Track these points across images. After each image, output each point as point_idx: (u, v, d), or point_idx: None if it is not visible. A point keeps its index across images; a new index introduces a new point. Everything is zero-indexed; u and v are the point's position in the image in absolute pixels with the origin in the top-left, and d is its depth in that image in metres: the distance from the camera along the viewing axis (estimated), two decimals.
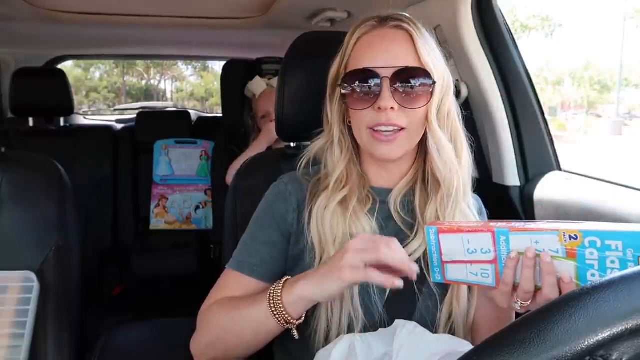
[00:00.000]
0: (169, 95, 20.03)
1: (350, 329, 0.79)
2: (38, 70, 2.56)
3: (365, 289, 0.81)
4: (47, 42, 2.57)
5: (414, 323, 0.73)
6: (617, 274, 0.39)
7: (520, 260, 0.65)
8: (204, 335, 0.83)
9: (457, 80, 1.37)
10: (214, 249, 2.21)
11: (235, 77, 2.12)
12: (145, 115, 2.84)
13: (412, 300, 0.82)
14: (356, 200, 0.83)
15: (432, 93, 0.80)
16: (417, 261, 0.82)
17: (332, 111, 0.87)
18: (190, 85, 20.24)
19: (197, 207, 2.48)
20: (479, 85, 1.32)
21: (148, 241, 2.46)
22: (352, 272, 0.68)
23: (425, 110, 0.81)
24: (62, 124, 2.51)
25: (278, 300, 0.74)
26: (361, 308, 0.80)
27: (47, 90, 2.29)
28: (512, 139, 1.31)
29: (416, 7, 1.44)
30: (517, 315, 0.74)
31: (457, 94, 1.34)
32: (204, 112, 4.65)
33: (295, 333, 0.76)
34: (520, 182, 1.31)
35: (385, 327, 0.77)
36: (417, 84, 0.79)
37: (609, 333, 0.35)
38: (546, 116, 1.34)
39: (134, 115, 2.86)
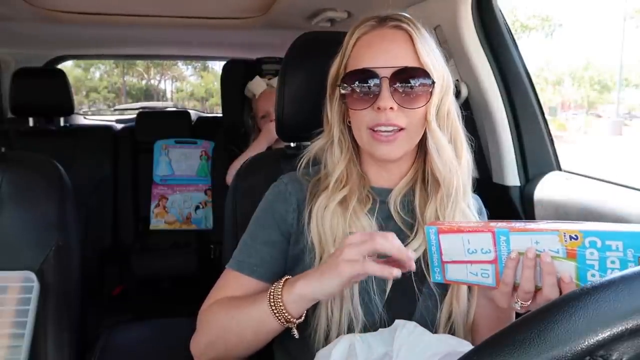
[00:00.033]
0: (169, 95, 20.04)
1: (350, 329, 0.79)
2: (38, 70, 2.56)
3: (365, 289, 0.81)
4: (47, 42, 2.57)
5: (414, 323, 0.73)
6: (617, 274, 0.39)
7: (521, 261, 0.65)
8: (204, 335, 0.83)
9: (457, 80, 1.37)
10: (214, 249, 2.21)
11: (235, 77, 2.12)
12: (145, 115, 2.84)
13: (412, 300, 0.83)
14: (356, 200, 0.83)
15: (431, 93, 0.80)
16: (417, 261, 0.82)
17: (332, 111, 0.87)
18: (190, 85, 20.25)
19: (197, 207, 2.48)
20: (479, 85, 1.32)
21: (148, 241, 2.46)
22: (350, 266, 0.68)
23: (425, 110, 0.81)
24: (62, 124, 2.51)
25: (278, 299, 0.74)
26: (361, 308, 0.80)
27: (47, 90, 2.29)
28: (512, 139, 1.31)
29: (416, 7, 1.44)
30: (517, 315, 0.74)
31: (457, 94, 1.34)
32: (204, 112, 4.65)
33: (295, 332, 0.76)
34: (520, 182, 1.31)
35: (385, 327, 0.77)
36: (417, 84, 0.79)
37: (609, 333, 0.35)
38: (546, 116, 1.34)
39: (134, 115, 2.86)
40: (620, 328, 0.35)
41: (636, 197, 1.02)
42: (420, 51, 0.79)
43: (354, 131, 0.85)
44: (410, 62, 0.79)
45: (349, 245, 0.70)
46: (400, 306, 0.82)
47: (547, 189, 1.23)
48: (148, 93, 19.33)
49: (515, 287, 0.67)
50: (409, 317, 0.80)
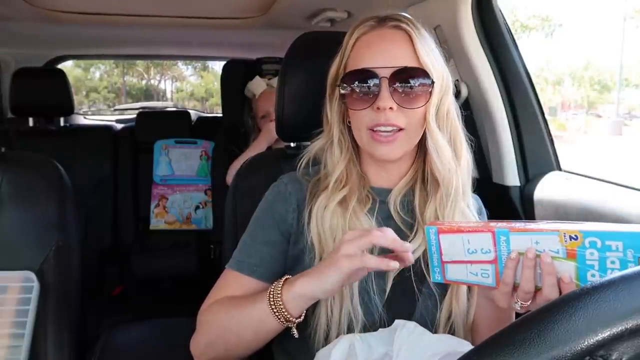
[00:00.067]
0: (169, 95, 20.04)
1: (349, 329, 0.80)
2: (38, 70, 2.56)
3: (365, 288, 0.81)
4: (47, 42, 2.57)
5: (414, 323, 0.73)
6: (617, 274, 0.39)
7: (521, 261, 0.65)
8: (204, 334, 0.83)
9: (457, 80, 1.37)
10: (214, 249, 2.21)
11: (235, 77, 2.12)
12: (145, 115, 2.84)
13: (412, 300, 0.83)
14: (356, 200, 0.83)
15: (430, 93, 0.80)
16: (417, 261, 0.82)
17: (331, 111, 0.87)
18: (190, 85, 20.25)
19: (197, 207, 2.48)
20: (479, 85, 1.32)
21: (148, 241, 2.46)
22: (349, 261, 0.69)
23: (424, 110, 0.81)
24: (62, 124, 2.51)
25: (278, 298, 0.74)
26: (361, 308, 0.80)
27: (47, 90, 2.29)
28: (512, 139, 1.31)
29: (416, 7, 1.44)
30: (517, 315, 0.74)
31: (457, 94, 1.34)
32: (204, 112, 4.65)
33: (295, 332, 0.76)
34: (520, 182, 1.31)
35: (385, 327, 0.77)
36: (416, 84, 0.79)
37: (609, 333, 0.35)
38: (546, 116, 1.34)
39: (134, 115, 2.86)
40: (620, 328, 0.35)
41: (636, 197, 1.02)
42: (419, 51, 0.79)
43: (354, 131, 0.85)
44: (410, 62, 0.79)
45: (347, 241, 0.70)
46: (400, 306, 0.82)
47: (547, 189, 1.23)
48: (148, 93, 19.33)
49: (515, 287, 0.67)
50: (408, 317, 0.80)
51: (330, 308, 0.80)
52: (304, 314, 0.76)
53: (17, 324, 1.01)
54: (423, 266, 0.82)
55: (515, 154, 1.31)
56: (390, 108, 0.78)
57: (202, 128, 2.67)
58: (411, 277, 0.82)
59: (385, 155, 0.81)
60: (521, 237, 0.64)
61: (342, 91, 0.82)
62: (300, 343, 0.80)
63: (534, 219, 1.25)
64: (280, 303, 0.74)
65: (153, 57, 7.87)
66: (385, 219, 0.85)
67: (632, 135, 13.24)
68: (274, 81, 1.93)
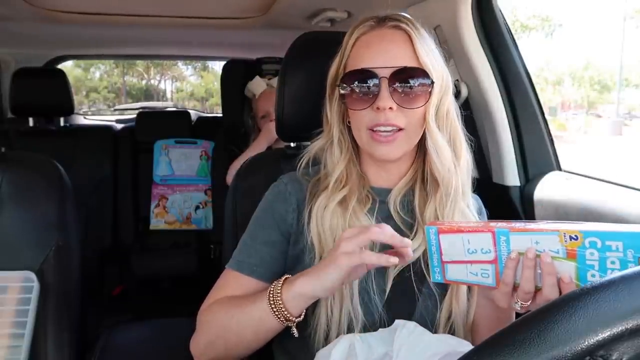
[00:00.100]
0: (169, 95, 20.04)
1: (349, 329, 0.80)
2: (38, 70, 2.56)
3: (365, 288, 0.81)
4: (47, 42, 2.57)
5: (414, 323, 0.73)
6: (617, 274, 0.39)
7: (521, 261, 0.65)
8: (204, 334, 0.83)
9: (457, 80, 1.37)
10: (214, 249, 2.21)
11: (235, 77, 2.12)
12: (145, 115, 2.84)
13: (412, 300, 0.83)
14: (356, 200, 0.83)
15: (430, 93, 0.80)
16: (417, 261, 0.82)
17: (331, 111, 0.87)
18: (190, 85, 20.26)
19: (197, 207, 2.48)
20: (479, 85, 1.32)
21: (148, 241, 2.46)
22: (348, 257, 0.69)
23: (424, 110, 0.81)
24: (62, 124, 2.51)
25: (278, 297, 0.74)
26: (361, 308, 0.80)
27: (47, 90, 2.29)
28: (512, 139, 1.31)
29: (416, 7, 1.44)
30: (517, 315, 0.74)
31: (457, 94, 1.34)
32: (204, 112, 4.65)
33: (294, 331, 0.76)
34: (520, 182, 1.31)
35: (384, 327, 0.77)
36: (416, 84, 0.79)
37: (609, 333, 0.35)
38: (546, 116, 1.34)
39: (134, 115, 2.86)
40: (620, 328, 0.35)
41: (636, 197, 1.02)
42: (419, 51, 0.79)
43: (354, 131, 0.85)
44: (409, 62, 0.79)
45: (346, 239, 0.70)
46: (400, 306, 0.82)
47: (547, 189, 1.23)
48: (148, 93, 19.33)
49: (515, 287, 0.67)
50: (408, 317, 0.80)
51: (330, 308, 0.80)
52: (303, 313, 0.76)
53: (17, 324, 1.01)
54: (423, 266, 0.82)
55: (515, 154, 1.31)
56: (390, 108, 0.78)
57: (202, 128, 2.67)
58: (411, 277, 0.82)
59: (385, 155, 0.81)
60: (521, 237, 0.64)
61: (342, 91, 0.82)
62: (300, 343, 0.80)
63: (534, 219, 1.25)
64: (280, 302, 0.74)
65: (153, 57, 7.87)
66: (385, 219, 0.85)
67: (632, 135, 13.24)
68: (274, 81, 1.93)
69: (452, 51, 1.36)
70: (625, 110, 15.70)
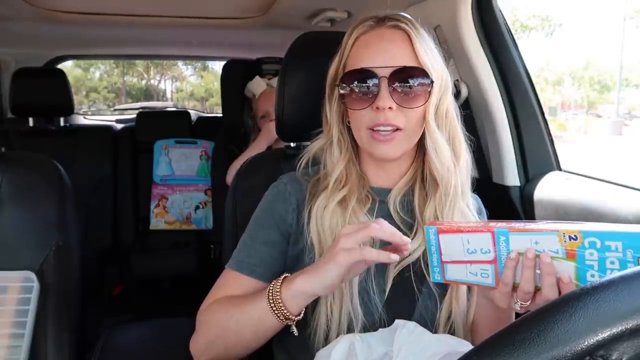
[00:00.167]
0: (169, 95, 20.04)
1: (349, 329, 0.79)
2: (38, 70, 2.56)
3: (364, 288, 0.81)
4: (47, 42, 2.57)
5: (413, 323, 0.73)
6: (616, 274, 0.39)
7: (520, 261, 0.65)
8: (204, 334, 0.83)
9: (457, 80, 1.37)
10: (214, 249, 2.21)
11: (235, 77, 2.12)
12: (145, 115, 2.84)
13: (412, 300, 0.83)
14: (355, 200, 0.83)
15: (430, 92, 0.80)
16: (417, 261, 0.82)
17: (331, 111, 0.87)
18: (190, 85, 20.25)
19: (197, 207, 2.48)
20: (479, 85, 1.32)
21: (148, 241, 2.46)
22: (347, 254, 0.69)
23: (423, 110, 0.81)
24: (62, 124, 2.51)
25: (277, 296, 0.74)
26: (361, 308, 0.80)
27: (47, 90, 2.29)
28: (512, 139, 1.31)
29: (416, 7, 1.44)
30: (517, 315, 0.74)
31: (457, 93, 1.34)
32: (204, 112, 4.65)
33: (294, 330, 0.76)
34: (520, 182, 1.31)
35: (384, 327, 0.77)
36: (415, 84, 0.79)
37: (609, 333, 0.35)
38: (546, 116, 1.34)
39: (134, 115, 2.86)
40: (620, 328, 0.35)
41: (636, 197, 1.02)
42: (418, 51, 0.79)
43: (354, 131, 0.85)
44: (409, 62, 0.79)
45: (345, 235, 0.70)
46: (400, 306, 0.82)
47: (547, 189, 1.23)
48: (148, 93, 19.33)
49: (514, 287, 0.67)
50: (408, 317, 0.80)
51: (330, 308, 0.80)
52: (303, 312, 0.76)
53: (17, 324, 1.01)
54: (423, 266, 0.82)
55: (515, 154, 1.31)
56: (390, 108, 0.78)
57: (202, 128, 2.67)
58: (411, 277, 0.82)
59: (385, 154, 0.81)
60: (521, 237, 0.64)
61: (342, 91, 0.82)
62: (300, 343, 0.81)
63: (534, 219, 1.25)
64: (280, 301, 0.74)
65: (153, 57, 7.87)
66: (385, 219, 0.85)
67: (632, 135, 13.24)
68: (274, 81, 1.93)
69: (452, 51, 1.36)
70: (625, 110, 15.71)
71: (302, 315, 0.76)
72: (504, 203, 1.32)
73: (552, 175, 1.27)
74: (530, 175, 1.31)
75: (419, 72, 0.79)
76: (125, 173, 2.49)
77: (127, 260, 2.37)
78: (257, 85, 1.94)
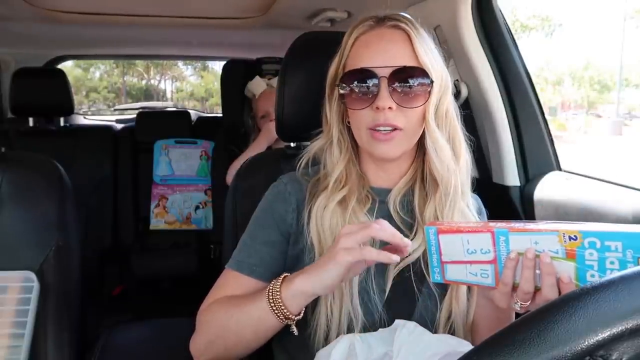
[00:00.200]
0: (169, 95, 20.04)
1: (349, 329, 0.79)
2: (38, 70, 2.56)
3: (364, 288, 0.81)
4: (47, 42, 2.57)
5: (413, 323, 0.73)
6: (616, 274, 0.39)
7: (520, 261, 0.65)
8: (203, 334, 0.83)
9: (457, 80, 1.37)
10: (214, 249, 2.21)
11: (235, 77, 2.12)
12: (145, 115, 2.84)
13: (412, 300, 0.83)
14: (355, 200, 0.83)
15: (430, 92, 0.80)
16: (417, 261, 0.82)
17: (331, 111, 0.87)
18: (190, 85, 20.25)
19: (197, 207, 2.48)
20: (479, 85, 1.32)
21: (148, 241, 2.46)
22: (348, 253, 0.69)
23: (423, 110, 0.81)
24: (62, 124, 2.51)
25: (277, 295, 0.74)
26: (361, 308, 0.80)
27: (47, 90, 2.29)
28: (512, 139, 1.31)
29: (416, 7, 1.44)
30: (517, 315, 0.74)
31: (457, 93, 1.34)
32: (204, 112, 4.65)
33: (294, 329, 0.76)
34: (520, 182, 1.31)
35: (384, 327, 0.77)
36: (415, 84, 0.79)
37: (609, 333, 0.35)
38: (546, 116, 1.34)
39: (134, 115, 2.86)
40: (620, 328, 0.35)
41: (636, 197, 1.02)
42: (418, 51, 0.79)
43: (354, 131, 0.85)
44: (409, 62, 0.79)
45: (346, 235, 0.70)
46: (400, 306, 0.82)
47: (547, 189, 1.23)
48: (148, 93, 19.33)
49: (514, 288, 0.67)
50: (408, 317, 0.80)
51: (330, 308, 0.80)
52: (303, 311, 0.76)
53: (17, 324, 1.01)
54: (423, 266, 0.82)
55: (515, 154, 1.31)
56: (390, 108, 0.78)
57: (202, 128, 2.68)
58: (411, 277, 0.82)
59: (385, 153, 0.81)
60: (520, 237, 0.64)
61: (341, 91, 0.82)
62: (300, 343, 0.81)
63: (534, 219, 1.25)
64: (280, 301, 0.74)
65: (153, 57, 7.87)
66: (385, 219, 0.85)
67: (632, 135, 13.24)
68: (274, 81, 1.93)
69: (452, 51, 1.36)
70: (625, 110, 15.71)
71: (302, 315, 0.76)
72: (504, 203, 1.32)
73: (552, 175, 1.27)
74: (530, 175, 1.31)
75: (419, 72, 0.79)
76: (125, 173, 2.49)
77: (127, 260, 2.37)
78: (257, 85, 1.94)
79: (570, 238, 0.61)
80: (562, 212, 1.14)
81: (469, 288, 0.83)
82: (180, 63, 17.96)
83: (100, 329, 1.48)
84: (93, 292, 2.35)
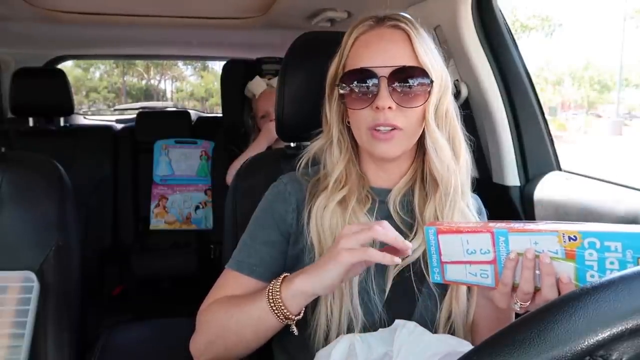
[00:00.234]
0: (169, 95, 20.04)
1: (349, 329, 0.79)
2: (38, 70, 2.56)
3: (364, 288, 0.81)
4: (47, 42, 2.57)
5: (413, 323, 0.73)
6: (616, 274, 0.39)
7: (520, 261, 0.65)
8: (203, 334, 0.83)
9: (457, 80, 1.37)
10: (214, 249, 2.21)
11: (235, 77, 2.12)
12: (145, 115, 2.84)
13: (412, 300, 0.83)
14: (355, 200, 0.83)
15: (429, 92, 0.80)
16: (417, 261, 0.82)
17: (330, 111, 0.87)
18: (190, 85, 20.25)
19: (197, 207, 2.48)
20: (479, 85, 1.32)
21: (148, 241, 2.46)
22: (349, 254, 0.68)
23: (423, 110, 0.81)
24: (62, 124, 2.51)
25: (277, 295, 0.74)
26: (361, 308, 0.80)
27: (47, 90, 2.29)
28: (512, 139, 1.31)
29: (416, 7, 1.45)
30: (517, 315, 0.74)
31: (457, 93, 1.34)
32: (204, 112, 4.65)
33: (294, 329, 0.76)
34: (520, 182, 1.31)
35: (384, 327, 0.77)
36: (415, 83, 0.79)
37: (608, 333, 0.35)
38: (546, 116, 1.34)
39: (134, 115, 2.86)
40: (620, 328, 0.35)
41: (636, 197, 1.02)
42: (418, 50, 0.79)
43: (354, 131, 0.85)
44: (409, 62, 0.79)
45: (347, 235, 0.70)
46: (400, 306, 0.82)
47: (547, 189, 1.23)
48: (148, 93, 19.33)
49: (514, 288, 0.67)
50: (408, 317, 0.80)
51: (330, 308, 0.80)
52: (303, 311, 0.76)
53: (17, 324, 1.01)
54: (423, 266, 0.82)
55: (515, 154, 1.31)
56: (390, 107, 0.78)
57: (202, 128, 2.68)
58: (411, 277, 0.82)
59: (385, 152, 0.81)
60: (520, 237, 0.64)
61: (341, 91, 0.82)
62: (300, 343, 0.81)
63: (534, 219, 1.25)
64: (280, 300, 0.74)
65: (153, 57, 7.87)
66: (385, 219, 0.85)
67: (632, 135, 13.24)
68: (274, 81, 1.93)
69: (452, 51, 1.36)
70: (625, 110, 15.71)
71: (302, 315, 0.76)
72: (504, 203, 1.32)
73: (552, 175, 1.27)
74: (530, 175, 1.31)
75: (419, 71, 0.79)
76: (125, 173, 2.49)
77: (127, 260, 2.37)
78: (257, 85, 1.94)
79: (569, 238, 0.61)
80: (562, 212, 1.14)
81: (469, 288, 0.84)
82: (180, 63, 17.96)
83: (100, 329, 1.48)
84: (93, 292, 2.35)
